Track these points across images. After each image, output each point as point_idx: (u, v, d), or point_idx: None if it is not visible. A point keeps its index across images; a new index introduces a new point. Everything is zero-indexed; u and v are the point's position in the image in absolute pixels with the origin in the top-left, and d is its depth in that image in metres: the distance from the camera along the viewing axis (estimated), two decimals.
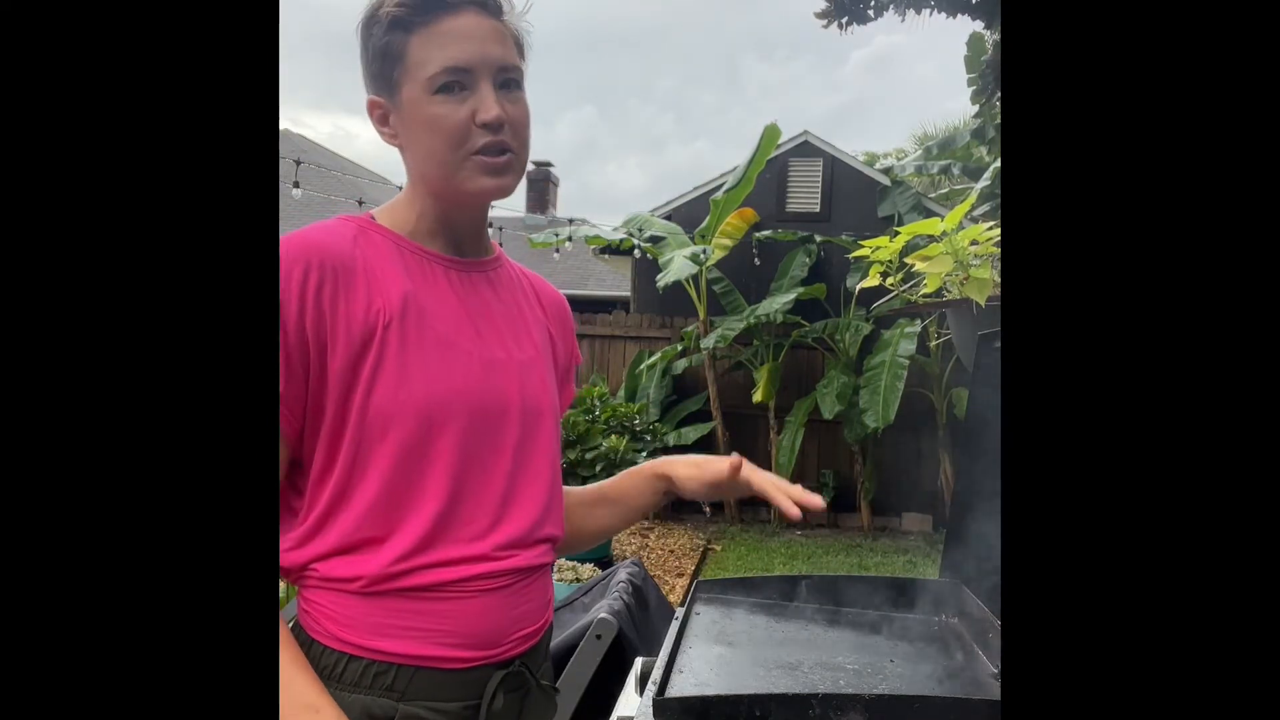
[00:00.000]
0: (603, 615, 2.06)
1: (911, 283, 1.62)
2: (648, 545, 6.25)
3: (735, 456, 1.11)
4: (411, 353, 0.92)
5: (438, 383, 0.93)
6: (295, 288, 0.87)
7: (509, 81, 0.96)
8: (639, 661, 1.27)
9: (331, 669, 0.89)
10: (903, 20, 5.80)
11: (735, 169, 7.25)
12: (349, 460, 0.90)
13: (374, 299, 0.91)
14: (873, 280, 1.68)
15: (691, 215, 8.04)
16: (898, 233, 1.61)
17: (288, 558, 0.92)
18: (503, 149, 0.95)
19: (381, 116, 0.98)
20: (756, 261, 7.77)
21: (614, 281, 12.50)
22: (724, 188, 7.25)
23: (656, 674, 0.99)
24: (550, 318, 1.12)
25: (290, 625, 0.93)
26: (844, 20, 5.88)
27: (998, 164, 6.05)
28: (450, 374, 0.94)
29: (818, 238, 7.54)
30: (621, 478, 1.21)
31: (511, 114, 0.95)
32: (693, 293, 7.31)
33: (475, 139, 0.93)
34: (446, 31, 0.92)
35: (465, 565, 0.92)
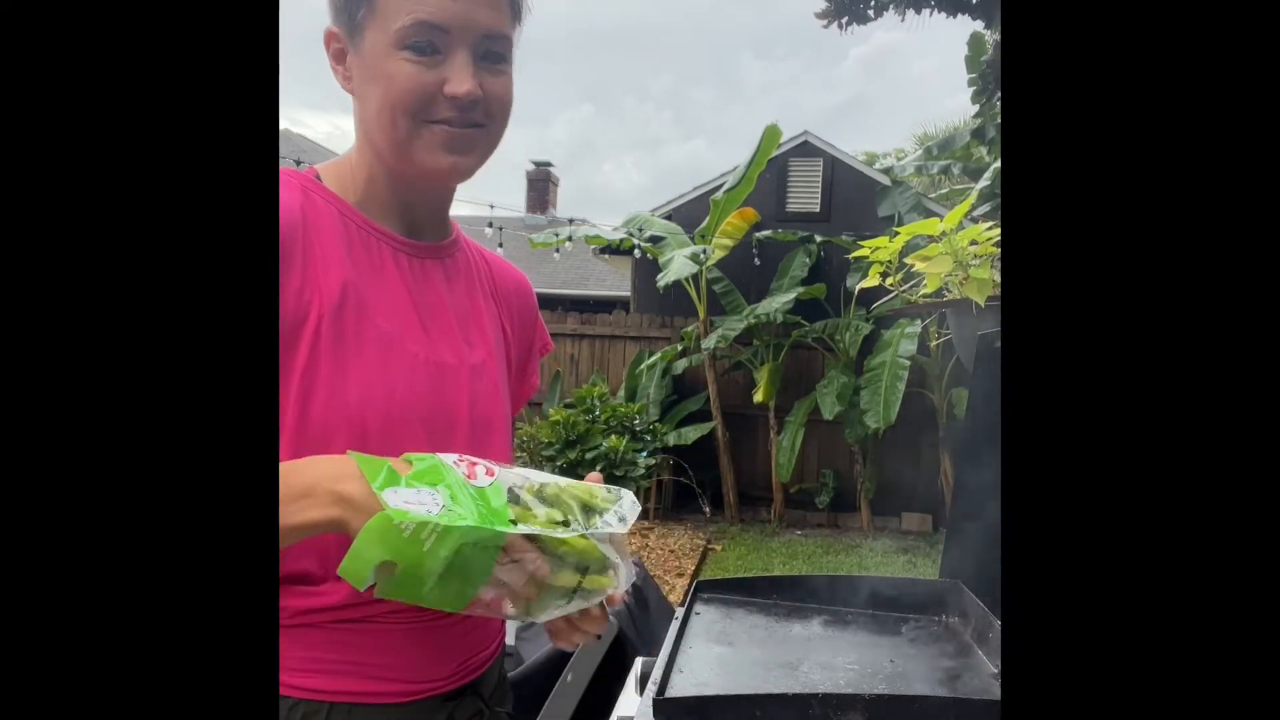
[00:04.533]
0: None
1: (911, 283, 1.62)
2: (648, 545, 6.25)
3: None
4: (350, 355, 0.79)
5: (376, 390, 0.80)
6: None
7: (492, 53, 0.82)
8: (639, 661, 1.27)
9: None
10: (902, 20, 5.81)
11: (735, 169, 7.26)
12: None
13: (307, 285, 0.78)
14: (873, 280, 1.68)
15: (691, 215, 8.04)
16: (898, 233, 1.61)
17: None
18: (471, 123, 0.83)
19: (338, 53, 0.84)
20: (756, 261, 7.77)
21: (614, 281, 12.51)
22: (724, 188, 7.25)
23: (656, 674, 0.99)
24: (505, 309, 1.00)
25: None
26: (844, 20, 5.89)
27: (998, 164, 6.05)
28: (391, 381, 0.81)
29: (818, 238, 7.54)
30: None
31: (490, 89, 0.82)
32: (693, 293, 7.31)
33: (439, 110, 0.81)
34: None
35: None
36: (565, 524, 0.75)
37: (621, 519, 0.78)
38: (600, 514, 0.78)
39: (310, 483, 0.71)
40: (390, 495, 0.68)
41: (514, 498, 0.75)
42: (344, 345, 0.79)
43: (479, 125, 0.83)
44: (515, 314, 1.03)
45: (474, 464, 0.76)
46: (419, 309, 0.87)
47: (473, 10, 0.79)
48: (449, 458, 0.75)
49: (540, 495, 0.77)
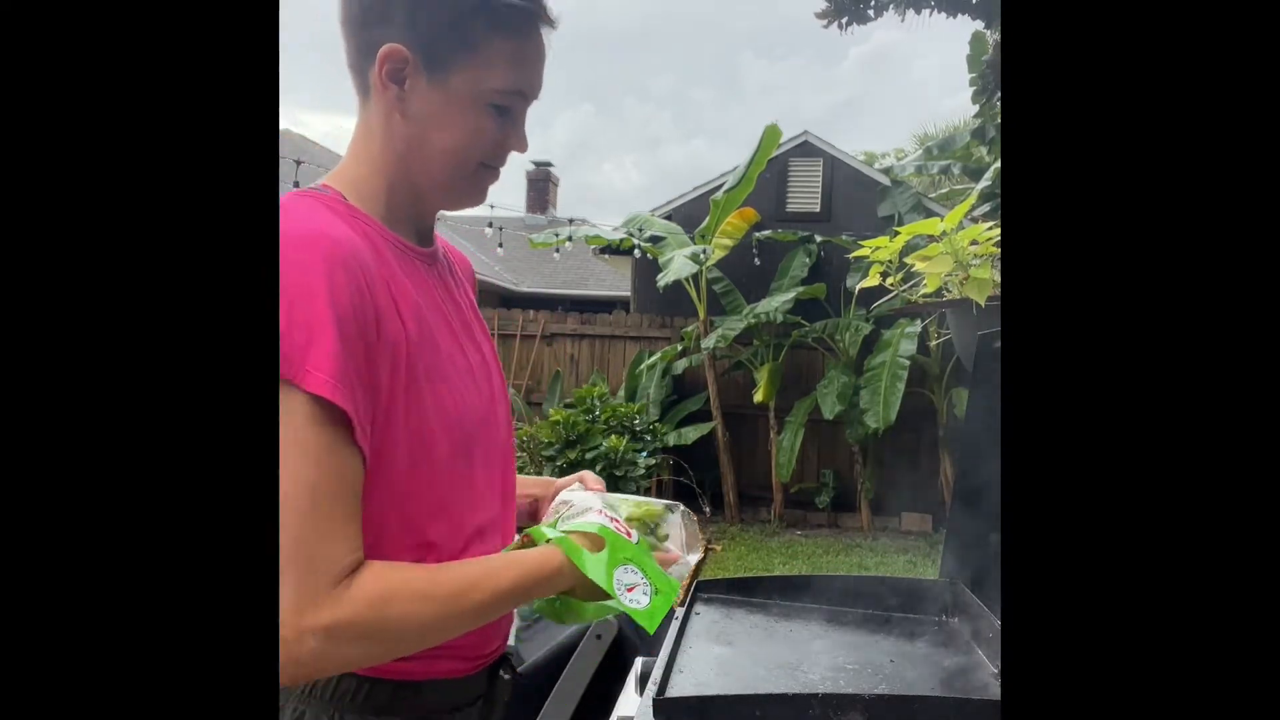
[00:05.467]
0: None
1: (911, 283, 1.62)
2: None
3: None
4: (427, 377, 0.86)
5: (452, 407, 0.88)
6: (348, 297, 0.76)
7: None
8: (639, 661, 1.27)
9: (354, 694, 0.86)
10: (902, 20, 5.81)
11: (735, 169, 7.26)
12: (381, 504, 0.83)
13: (392, 313, 0.83)
14: (873, 280, 1.68)
15: (691, 215, 8.04)
16: (898, 233, 1.61)
17: None
18: (499, 170, 0.94)
19: (397, 73, 0.85)
20: (756, 261, 7.77)
21: (614, 281, 12.51)
22: (724, 188, 7.25)
23: (656, 674, 0.99)
24: (473, 291, 1.08)
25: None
26: (844, 20, 5.89)
27: (998, 164, 6.05)
28: (460, 399, 0.90)
29: (818, 238, 7.54)
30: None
31: (527, 146, 0.95)
32: (693, 293, 7.31)
33: (498, 159, 0.92)
34: (528, 53, 0.87)
35: None
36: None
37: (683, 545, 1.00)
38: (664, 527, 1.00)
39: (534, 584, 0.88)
40: (618, 583, 0.89)
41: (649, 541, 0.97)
42: (430, 371, 0.86)
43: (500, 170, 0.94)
44: (473, 294, 1.09)
45: (616, 520, 0.95)
46: (448, 319, 0.94)
47: (540, 83, 0.91)
48: (599, 520, 0.94)
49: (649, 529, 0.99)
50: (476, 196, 0.93)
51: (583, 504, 0.98)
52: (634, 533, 0.96)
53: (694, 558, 0.99)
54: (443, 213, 1.00)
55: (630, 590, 0.88)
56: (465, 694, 0.96)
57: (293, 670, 0.73)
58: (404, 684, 0.88)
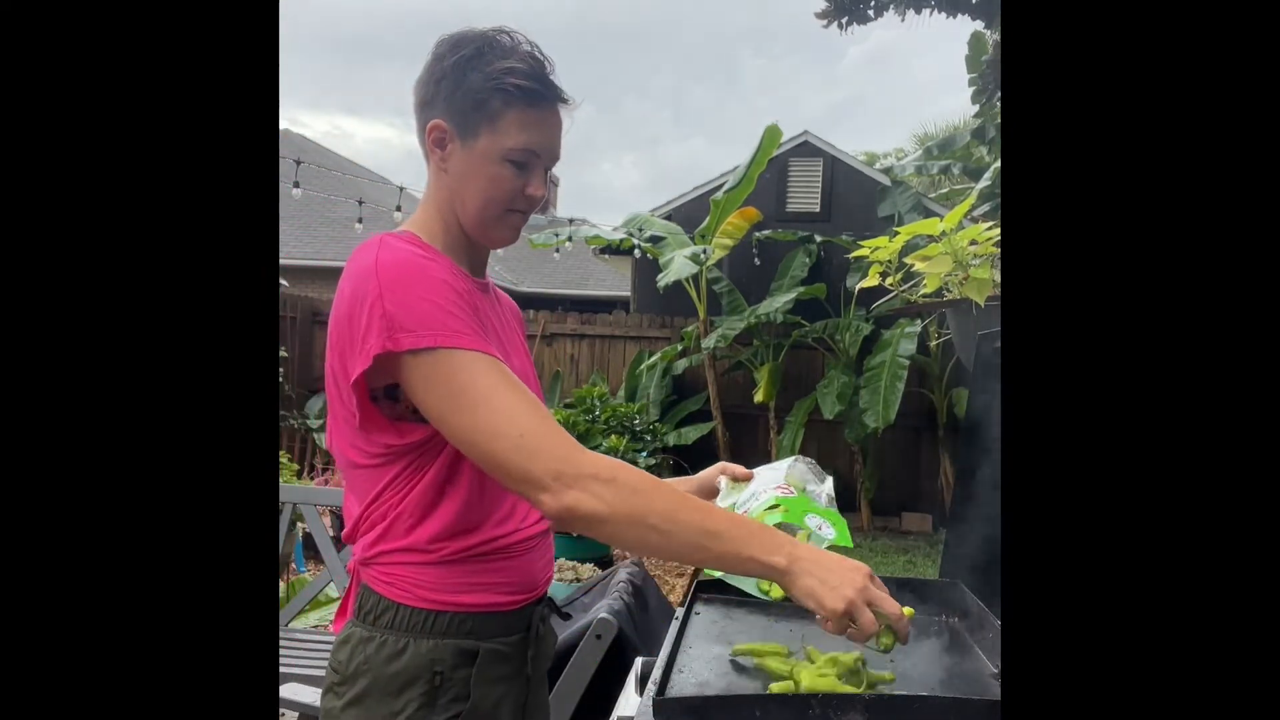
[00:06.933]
0: (603, 615, 2.06)
1: (911, 283, 1.62)
2: None
3: None
4: None
5: None
6: (453, 284, 1.03)
7: (549, 169, 1.18)
8: (639, 661, 1.27)
9: (423, 623, 1.08)
10: (902, 20, 5.81)
11: (736, 169, 7.26)
12: (451, 457, 1.07)
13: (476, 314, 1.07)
14: (873, 280, 1.68)
15: (692, 215, 8.04)
16: (898, 233, 1.61)
17: (387, 543, 1.09)
18: (529, 212, 1.18)
19: (440, 140, 1.13)
20: (756, 261, 7.77)
21: (614, 281, 12.52)
22: (724, 188, 7.25)
23: (656, 674, 0.99)
24: (519, 327, 1.32)
25: (360, 595, 1.12)
26: (844, 20, 5.90)
27: (998, 164, 6.04)
28: None
29: (818, 238, 7.54)
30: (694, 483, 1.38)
31: (544, 194, 1.19)
32: (693, 293, 7.31)
33: (518, 204, 1.14)
34: (538, 121, 1.11)
35: (515, 534, 1.14)
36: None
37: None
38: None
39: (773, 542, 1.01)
40: (810, 520, 1.13)
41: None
42: None
43: (529, 213, 1.18)
44: (519, 329, 1.32)
45: (780, 488, 1.18)
46: (497, 331, 1.18)
47: (556, 144, 1.15)
48: (773, 494, 1.17)
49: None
50: (508, 234, 1.17)
51: (754, 489, 1.23)
52: (793, 489, 1.20)
53: (829, 482, 1.23)
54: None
55: (820, 529, 1.12)
56: (511, 626, 1.15)
57: (556, 510, 0.96)
58: (458, 614, 1.10)
